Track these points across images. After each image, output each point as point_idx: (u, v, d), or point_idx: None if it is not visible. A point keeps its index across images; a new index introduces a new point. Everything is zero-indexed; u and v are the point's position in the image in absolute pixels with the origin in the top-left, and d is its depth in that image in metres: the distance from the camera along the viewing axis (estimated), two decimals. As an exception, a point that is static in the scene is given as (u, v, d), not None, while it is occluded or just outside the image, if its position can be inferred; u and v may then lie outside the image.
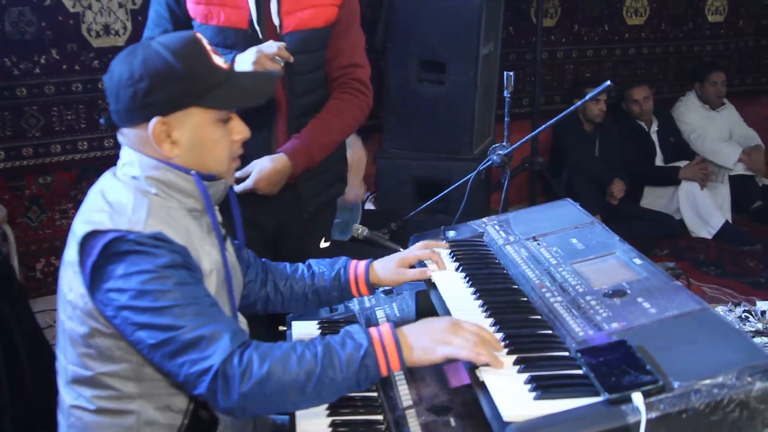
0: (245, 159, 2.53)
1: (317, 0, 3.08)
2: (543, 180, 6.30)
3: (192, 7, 2.94)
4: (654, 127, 6.88)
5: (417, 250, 2.54)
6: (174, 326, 1.88)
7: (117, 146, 4.79)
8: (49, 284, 5.12)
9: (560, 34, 6.85)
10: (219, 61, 2.09)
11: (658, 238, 6.38)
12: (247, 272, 2.49)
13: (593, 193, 6.36)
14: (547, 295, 2.15)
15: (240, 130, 2.16)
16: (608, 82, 3.39)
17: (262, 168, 3.00)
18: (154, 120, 1.99)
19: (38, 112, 4.91)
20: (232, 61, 2.89)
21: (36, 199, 5.03)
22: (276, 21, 3.00)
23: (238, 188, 2.89)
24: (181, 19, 2.98)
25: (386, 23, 5.15)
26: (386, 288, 2.68)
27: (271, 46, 2.87)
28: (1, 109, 4.81)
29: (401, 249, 2.86)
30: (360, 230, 3.29)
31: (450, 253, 2.58)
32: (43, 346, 3.58)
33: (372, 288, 2.50)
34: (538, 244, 2.48)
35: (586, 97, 3.51)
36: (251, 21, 2.96)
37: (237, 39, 2.93)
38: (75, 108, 5.01)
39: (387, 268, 2.48)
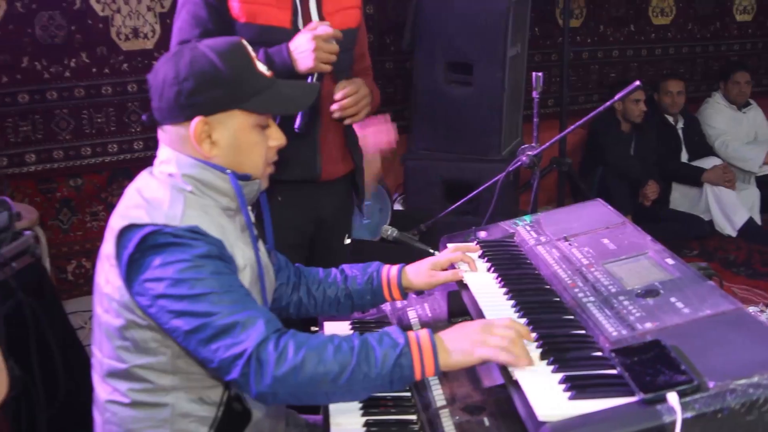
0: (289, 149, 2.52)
1: (348, 2, 3.17)
2: (571, 181, 6.29)
3: (237, 5, 2.92)
4: (680, 124, 6.87)
5: (449, 253, 2.54)
6: (210, 312, 1.90)
7: (147, 148, 4.87)
8: (80, 286, 5.16)
9: (586, 35, 6.84)
10: (262, 68, 2.14)
11: (687, 239, 6.36)
12: (278, 276, 2.50)
13: (625, 194, 6.34)
14: (580, 295, 2.16)
15: (277, 138, 2.19)
16: (638, 83, 3.40)
17: None
18: (196, 119, 2.03)
19: (68, 116, 4.95)
20: (287, 50, 2.89)
21: (67, 201, 5.07)
22: (316, 19, 3.03)
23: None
24: (222, 18, 2.95)
25: (413, 25, 5.16)
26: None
27: (323, 28, 2.88)
28: (32, 113, 4.86)
29: (431, 250, 2.87)
30: (389, 231, 3.30)
31: (481, 254, 2.58)
32: (76, 346, 3.61)
33: (404, 292, 2.51)
34: (570, 244, 2.48)
35: (615, 98, 3.51)
36: (294, 20, 2.99)
37: (280, 38, 2.93)
38: (105, 111, 5.05)
39: (419, 271, 2.49)
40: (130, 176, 5.00)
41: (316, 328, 2.68)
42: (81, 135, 5.01)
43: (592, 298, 2.12)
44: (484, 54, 5.00)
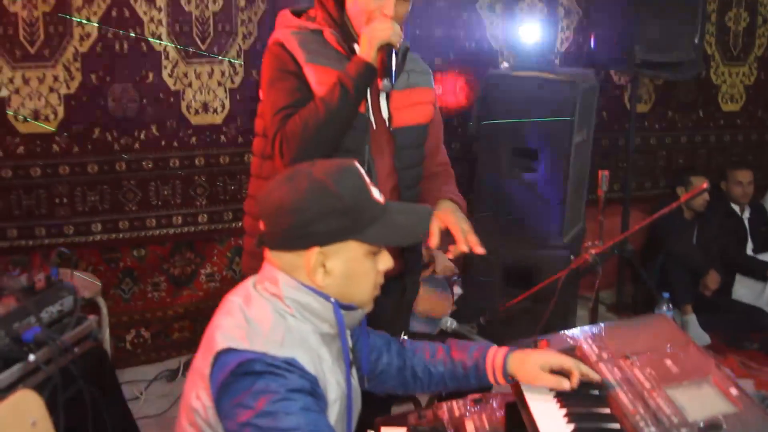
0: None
1: (420, 98, 3.17)
2: (632, 267, 6.24)
3: (313, 81, 2.93)
4: (746, 214, 6.78)
5: (563, 359, 2.45)
6: None
7: (211, 221, 4.91)
8: (137, 355, 5.22)
9: (654, 120, 6.80)
10: (376, 194, 2.13)
11: (748, 331, 6.23)
12: (378, 363, 2.50)
13: (686, 283, 6.23)
14: (641, 424, 2.12)
15: (386, 261, 2.18)
16: (705, 185, 3.38)
17: (462, 227, 2.98)
18: (313, 249, 2.04)
19: (136, 187, 5.03)
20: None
21: (129, 271, 5.14)
22: (385, 114, 3.06)
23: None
24: (306, 85, 2.94)
25: (479, 110, 5.18)
26: (476, 397, 2.66)
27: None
28: (101, 183, 4.95)
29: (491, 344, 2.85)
30: (449, 323, 3.28)
31: (542, 368, 2.55)
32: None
33: (510, 379, 2.47)
34: (632, 363, 2.44)
35: (681, 200, 3.51)
36: (367, 107, 3.00)
37: (356, 122, 2.96)
38: (171, 183, 5.13)
39: (526, 365, 2.43)
40: (193, 248, 5.13)
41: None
42: (147, 206, 5.09)
43: (653, 429, 2.09)
44: (549, 141, 5.00)
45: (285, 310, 2.07)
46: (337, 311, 2.10)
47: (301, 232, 2.03)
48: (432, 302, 4.62)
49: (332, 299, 2.09)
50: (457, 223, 2.96)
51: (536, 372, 2.42)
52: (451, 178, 3.33)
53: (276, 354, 1.96)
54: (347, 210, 2.04)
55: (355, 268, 2.10)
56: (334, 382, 2.11)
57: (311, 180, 2.05)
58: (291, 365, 1.96)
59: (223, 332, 2.03)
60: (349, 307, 2.14)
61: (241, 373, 1.94)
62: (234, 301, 2.13)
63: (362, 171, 2.13)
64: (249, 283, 2.17)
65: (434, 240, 2.90)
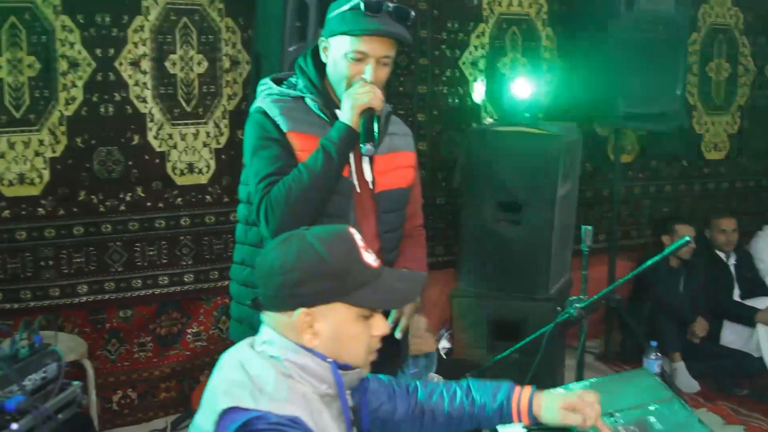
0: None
1: (402, 162, 3.21)
2: (620, 316, 6.24)
3: (299, 154, 2.95)
4: (732, 260, 6.78)
5: (585, 402, 2.41)
6: None
7: (197, 281, 4.91)
8: (124, 416, 5.17)
9: (638, 170, 6.87)
10: (369, 258, 2.15)
11: (737, 377, 6.22)
12: (380, 410, 2.44)
13: (673, 330, 6.20)
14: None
15: (380, 327, 2.19)
16: (687, 238, 3.41)
17: None
18: (299, 311, 2.06)
19: (121, 248, 5.02)
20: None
21: (116, 332, 5.10)
22: (369, 178, 3.08)
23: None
24: (290, 152, 2.96)
25: (464, 163, 5.21)
26: None
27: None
28: (87, 245, 4.93)
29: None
30: (435, 380, 3.29)
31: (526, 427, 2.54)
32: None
33: (534, 419, 2.44)
34: (616, 420, 2.45)
35: (665, 252, 3.52)
36: (350, 171, 3.03)
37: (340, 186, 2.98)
38: (157, 244, 5.12)
39: (551, 406, 2.42)
40: (180, 308, 5.11)
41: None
42: (132, 267, 5.07)
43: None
44: (533, 194, 5.03)
45: (284, 372, 2.08)
46: (335, 371, 2.11)
47: (288, 293, 2.06)
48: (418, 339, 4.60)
49: (329, 359, 2.11)
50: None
51: (561, 412, 2.40)
52: (421, 243, 3.36)
53: (280, 413, 1.97)
54: (334, 273, 2.06)
55: (343, 330, 2.11)
56: None
57: (302, 242, 2.09)
58: (295, 423, 1.97)
59: (226, 390, 2.03)
60: (346, 367, 2.15)
61: (245, 431, 1.95)
62: (233, 360, 2.13)
63: (356, 236, 2.16)
64: (246, 343, 2.18)
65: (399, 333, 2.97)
